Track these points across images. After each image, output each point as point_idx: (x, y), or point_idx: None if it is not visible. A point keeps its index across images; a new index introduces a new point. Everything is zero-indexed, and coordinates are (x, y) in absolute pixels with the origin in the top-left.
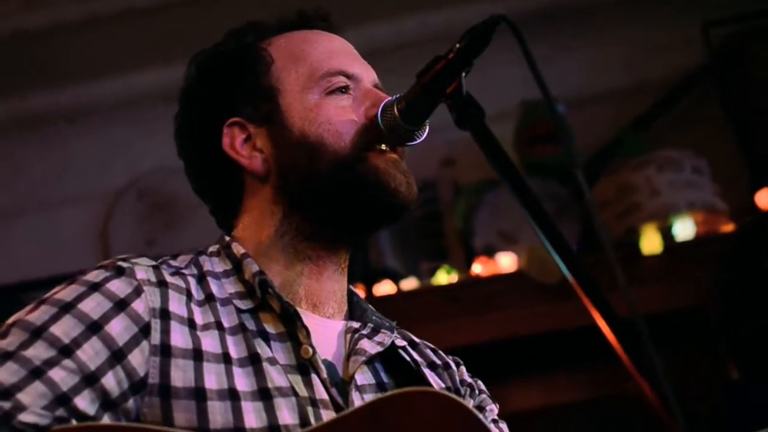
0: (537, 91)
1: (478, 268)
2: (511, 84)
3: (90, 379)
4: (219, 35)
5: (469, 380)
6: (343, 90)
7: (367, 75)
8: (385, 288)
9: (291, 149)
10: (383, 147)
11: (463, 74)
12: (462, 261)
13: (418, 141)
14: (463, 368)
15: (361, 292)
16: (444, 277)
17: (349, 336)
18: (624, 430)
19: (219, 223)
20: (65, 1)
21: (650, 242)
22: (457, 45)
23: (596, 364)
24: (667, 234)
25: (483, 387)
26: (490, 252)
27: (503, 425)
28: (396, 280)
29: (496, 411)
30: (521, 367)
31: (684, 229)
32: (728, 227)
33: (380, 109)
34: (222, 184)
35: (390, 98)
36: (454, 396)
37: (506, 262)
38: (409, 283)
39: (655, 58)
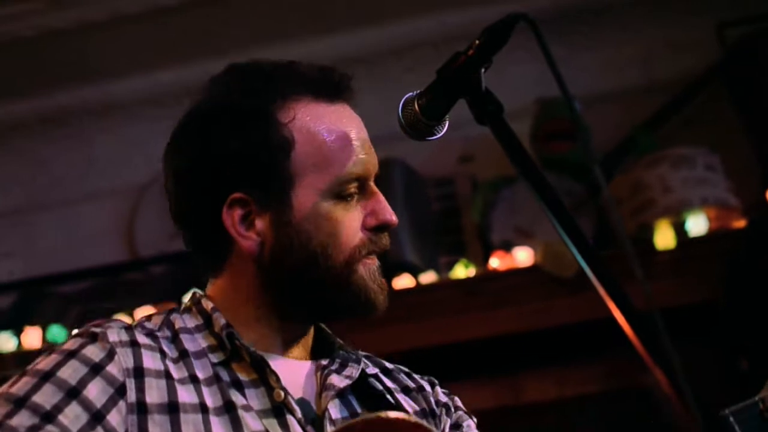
0: (551, 89)
1: (495, 263)
2: (526, 82)
3: None
4: (242, 34)
5: (445, 400)
6: (351, 196)
7: (374, 169)
8: (404, 282)
9: (292, 246)
10: (372, 257)
11: (483, 70)
12: (479, 255)
13: (438, 136)
14: (438, 388)
15: None
16: (462, 271)
17: (318, 373)
18: (637, 423)
19: (200, 267)
20: (90, 1)
21: (663, 238)
22: (477, 42)
23: (610, 357)
24: (680, 230)
25: (459, 404)
26: (507, 247)
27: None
28: (415, 273)
29: (473, 425)
30: (536, 360)
31: (697, 224)
32: (740, 223)
33: (401, 104)
34: (207, 243)
35: (411, 94)
36: (404, 416)
37: (523, 256)
38: (428, 277)
39: (669, 58)
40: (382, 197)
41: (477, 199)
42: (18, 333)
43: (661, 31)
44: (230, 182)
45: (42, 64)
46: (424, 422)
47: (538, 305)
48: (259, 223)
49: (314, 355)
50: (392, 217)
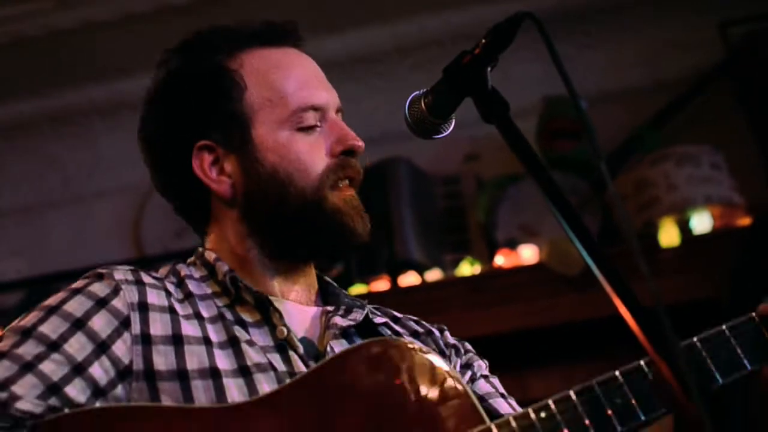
0: (555, 87)
1: (500, 260)
2: (530, 81)
3: (78, 369)
4: None
5: (453, 342)
6: (312, 127)
7: (332, 101)
8: (409, 279)
9: (260, 181)
10: (344, 183)
11: (489, 69)
12: (485, 253)
13: (445, 134)
14: (447, 333)
15: (386, 284)
16: (467, 268)
17: (323, 317)
18: None
19: (194, 229)
20: (98, 0)
21: (668, 235)
22: (483, 40)
23: (615, 354)
24: (684, 227)
25: (469, 347)
26: (512, 244)
27: (495, 380)
28: (420, 271)
29: (485, 367)
30: (542, 357)
31: (701, 222)
32: (744, 221)
33: (408, 103)
34: (189, 199)
35: (417, 92)
36: (395, 338)
37: (528, 254)
38: (433, 275)
39: (673, 57)
40: (344, 125)
41: (482, 197)
42: None
43: (665, 30)
44: (193, 133)
45: (50, 63)
46: (421, 345)
47: (543, 303)
48: (228, 166)
49: (320, 304)
50: (356, 141)
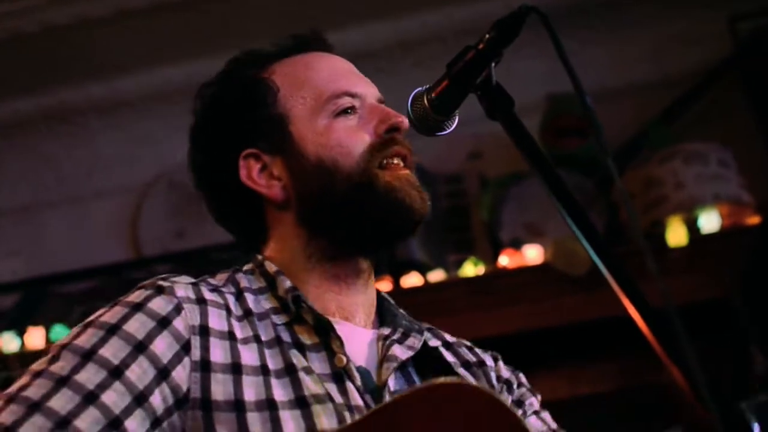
0: (559, 84)
1: (504, 261)
2: (533, 77)
3: (139, 399)
4: (248, 29)
5: (507, 375)
6: (350, 111)
7: (371, 92)
8: (412, 280)
9: (307, 175)
10: (395, 162)
11: (493, 65)
12: (489, 253)
13: (448, 131)
14: (500, 364)
15: (388, 285)
16: (471, 269)
17: (380, 343)
18: (650, 421)
19: (243, 250)
20: None
21: (676, 234)
22: (487, 35)
23: (622, 355)
24: (692, 226)
25: (524, 380)
26: (516, 244)
27: (545, 414)
28: (423, 272)
29: (536, 404)
30: (548, 359)
31: (709, 221)
32: (754, 220)
33: (410, 99)
34: (244, 214)
35: (420, 89)
36: (468, 383)
37: (532, 254)
38: (437, 275)
39: (680, 52)
40: (386, 107)
41: (486, 196)
42: (21, 333)
43: (672, 25)
44: (235, 146)
45: (46, 60)
46: (486, 388)
47: (548, 303)
48: (275, 170)
49: (377, 324)
50: (399, 118)
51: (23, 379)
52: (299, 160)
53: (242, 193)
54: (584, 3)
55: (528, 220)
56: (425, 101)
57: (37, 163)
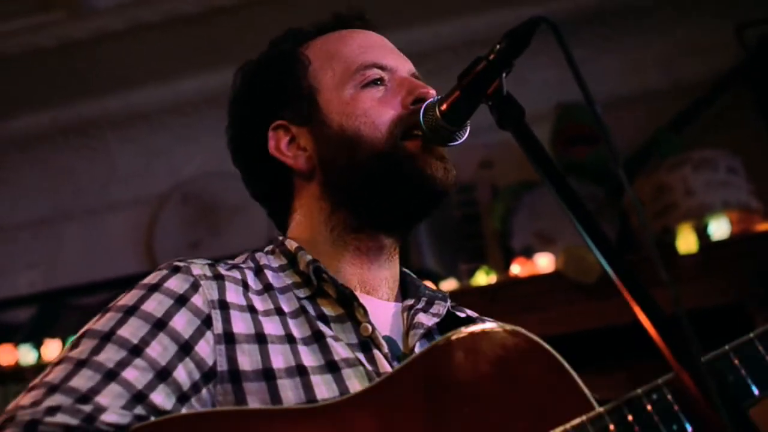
0: (569, 93)
1: (516, 269)
2: (543, 86)
3: (162, 374)
4: (261, 42)
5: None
6: (378, 82)
7: (403, 66)
8: None
9: (331, 144)
10: (420, 133)
11: (504, 75)
12: (500, 262)
13: (460, 141)
14: None
15: None
16: (483, 277)
17: (405, 313)
18: None
19: (277, 225)
20: (110, 11)
21: (686, 241)
22: (498, 46)
23: (633, 363)
24: (702, 233)
25: None
26: (528, 253)
27: (579, 381)
28: (435, 281)
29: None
30: None
31: (719, 228)
32: (763, 226)
33: (422, 110)
34: (273, 186)
35: (432, 99)
36: (513, 327)
37: (544, 262)
38: (449, 284)
39: (689, 60)
40: (415, 80)
41: (498, 205)
42: (38, 345)
43: (681, 34)
44: (266, 116)
45: (63, 74)
46: (520, 329)
47: (559, 311)
48: (302, 141)
49: (401, 298)
50: (426, 89)
51: (47, 370)
52: (324, 129)
53: (272, 165)
54: (594, 12)
55: (539, 229)
56: (437, 112)
57: (54, 176)
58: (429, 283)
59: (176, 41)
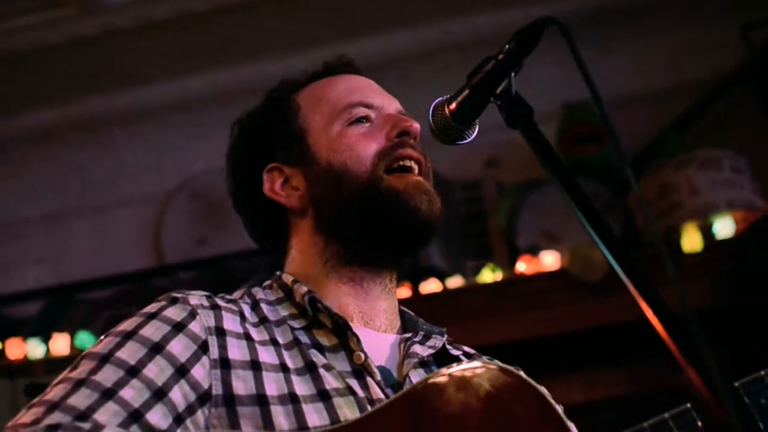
0: (575, 92)
1: (522, 267)
2: (550, 85)
3: (158, 394)
4: (268, 40)
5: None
6: (364, 120)
7: (390, 104)
8: (431, 286)
9: (320, 181)
10: (408, 164)
11: (512, 74)
12: (506, 259)
13: (469, 140)
14: (521, 372)
15: (407, 291)
16: (489, 275)
17: (402, 345)
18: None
19: (276, 264)
20: (119, 8)
21: (690, 240)
22: (507, 46)
23: (638, 360)
24: (707, 232)
25: (545, 390)
26: (533, 250)
27: (571, 425)
28: (442, 278)
29: (560, 410)
30: (564, 364)
31: (724, 227)
32: None
33: (431, 109)
34: (271, 227)
35: (441, 98)
36: (506, 366)
37: (549, 260)
38: (455, 282)
39: (695, 60)
40: (400, 115)
41: (503, 203)
42: (46, 340)
43: (686, 34)
44: (260, 160)
45: (72, 71)
46: (512, 368)
47: (565, 309)
48: (295, 180)
49: (401, 331)
50: (409, 122)
51: (46, 390)
52: (313, 168)
53: (268, 206)
54: (601, 12)
55: (545, 227)
56: (446, 111)
57: (63, 172)
58: (432, 280)
59: (185, 38)
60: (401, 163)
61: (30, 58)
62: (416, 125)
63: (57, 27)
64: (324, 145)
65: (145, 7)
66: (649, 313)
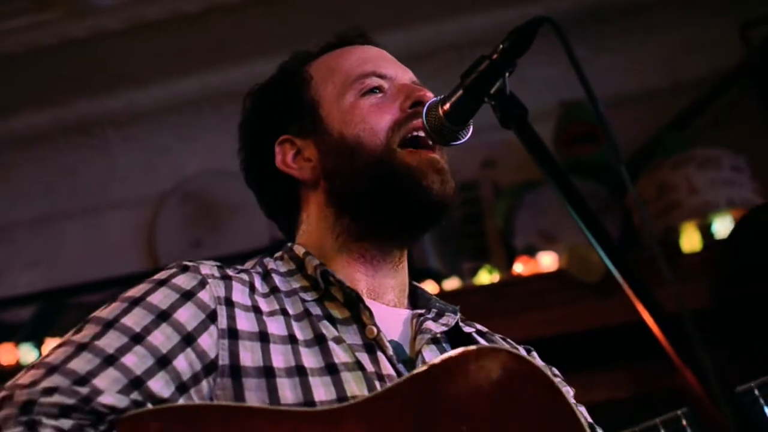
0: (572, 91)
1: (519, 268)
2: (545, 85)
3: (162, 362)
4: (261, 41)
5: (541, 365)
6: (377, 90)
7: (403, 74)
8: (427, 288)
9: (333, 152)
10: (422, 134)
11: (507, 74)
12: (503, 261)
13: (463, 141)
14: (534, 354)
15: None
16: (486, 276)
17: (414, 320)
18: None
19: (287, 237)
20: (110, 10)
21: (690, 240)
22: (501, 45)
23: (637, 361)
24: (706, 232)
25: (557, 372)
26: (530, 251)
27: (582, 408)
28: (438, 280)
29: (572, 393)
30: (562, 366)
31: (723, 226)
32: None
33: (425, 109)
34: (283, 200)
35: (435, 99)
36: (515, 351)
37: (547, 261)
38: (452, 283)
39: (693, 58)
40: (414, 85)
41: (500, 203)
42: (39, 345)
43: (685, 32)
44: (272, 132)
45: (63, 73)
46: (521, 353)
47: (562, 310)
48: (307, 152)
49: (411, 307)
50: (423, 92)
51: (48, 350)
52: (326, 139)
53: (280, 178)
54: (597, 11)
55: (542, 228)
56: (440, 111)
57: (54, 175)
58: (428, 282)
59: (177, 40)
60: (415, 133)
61: (20, 60)
62: (430, 94)
63: (47, 29)
64: (337, 116)
65: (137, 9)
66: (644, 315)
